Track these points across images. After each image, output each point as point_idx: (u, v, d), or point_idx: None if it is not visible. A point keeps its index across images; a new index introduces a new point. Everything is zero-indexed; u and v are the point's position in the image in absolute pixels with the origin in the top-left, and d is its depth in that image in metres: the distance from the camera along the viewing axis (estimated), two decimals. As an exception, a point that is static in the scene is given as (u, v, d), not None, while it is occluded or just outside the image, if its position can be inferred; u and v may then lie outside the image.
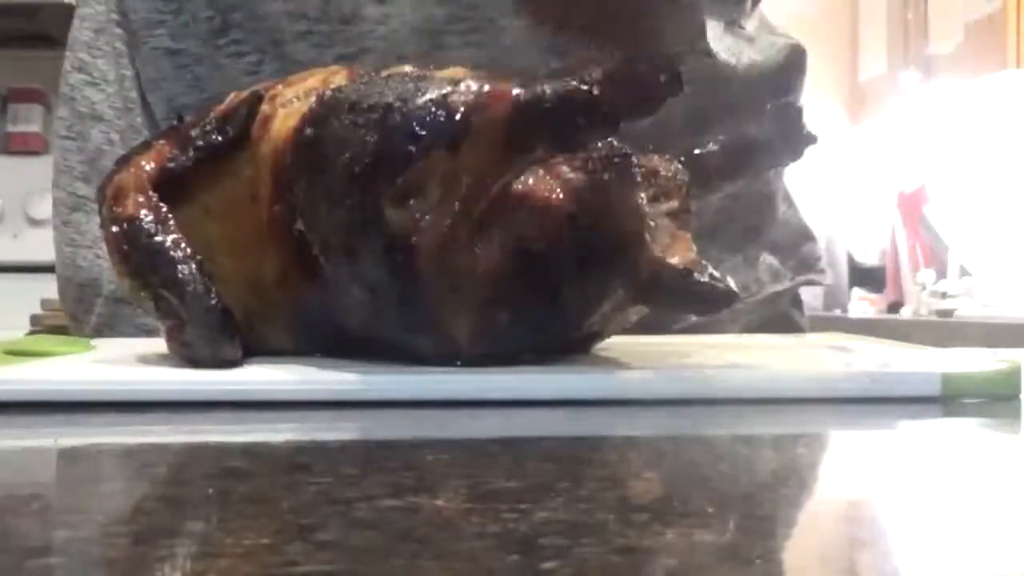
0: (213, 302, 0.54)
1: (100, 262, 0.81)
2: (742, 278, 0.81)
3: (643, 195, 0.53)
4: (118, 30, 0.82)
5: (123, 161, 0.59)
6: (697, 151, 0.61)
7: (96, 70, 0.83)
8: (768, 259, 0.84)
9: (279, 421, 0.48)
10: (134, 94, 0.81)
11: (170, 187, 0.57)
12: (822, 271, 0.87)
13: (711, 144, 0.62)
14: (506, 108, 0.50)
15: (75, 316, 0.83)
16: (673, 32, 0.77)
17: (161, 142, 0.59)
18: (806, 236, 0.86)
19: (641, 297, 0.53)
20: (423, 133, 0.50)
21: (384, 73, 0.54)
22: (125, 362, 0.56)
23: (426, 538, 0.29)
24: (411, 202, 0.51)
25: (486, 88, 0.51)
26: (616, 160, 0.52)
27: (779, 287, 0.84)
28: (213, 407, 0.49)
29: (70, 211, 0.83)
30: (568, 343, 0.55)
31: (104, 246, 0.80)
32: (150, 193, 0.56)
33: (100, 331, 0.79)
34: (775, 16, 0.87)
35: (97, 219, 0.81)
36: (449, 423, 0.48)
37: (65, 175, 0.83)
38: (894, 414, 0.50)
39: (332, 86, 0.55)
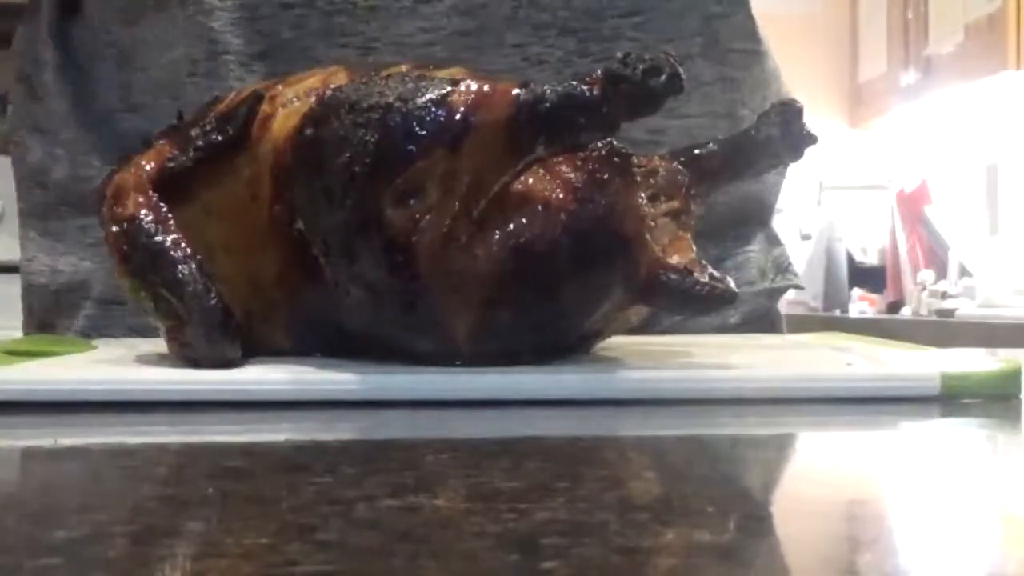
0: (213, 302, 0.54)
1: (86, 264, 0.80)
2: (740, 275, 0.81)
3: (643, 195, 0.53)
4: (54, 51, 0.82)
5: (123, 161, 0.59)
6: (697, 151, 0.61)
7: (37, 82, 0.82)
8: (759, 258, 0.84)
9: (279, 421, 0.48)
10: (81, 109, 0.81)
11: (170, 187, 0.57)
12: (796, 274, 0.88)
13: (711, 144, 0.62)
14: (507, 108, 0.50)
15: (49, 324, 0.82)
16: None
17: (161, 142, 0.59)
18: (775, 242, 0.87)
19: (641, 297, 0.53)
20: (423, 133, 0.50)
21: (384, 73, 0.54)
22: (125, 362, 0.56)
23: (426, 538, 0.29)
24: (411, 202, 0.51)
25: (486, 88, 0.51)
26: (616, 160, 0.52)
27: (767, 285, 0.85)
28: (213, 407, 0.49)
29: (42, 220, 0.83)
30: (568, 343, 0.55)
31: (90, 249, 0.80)
32: (150, 193, 0.56)
33: (87, 335, 0.78)
34: (776, 16, 0.87)
35: (77, 222, 0.81)
36: (449, 423, 0.48)
37: (22, 184, 0.84)
38: (894, 414, 0.50)
39: (332, 86, 0.55)
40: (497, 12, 0.75)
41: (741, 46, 0.81)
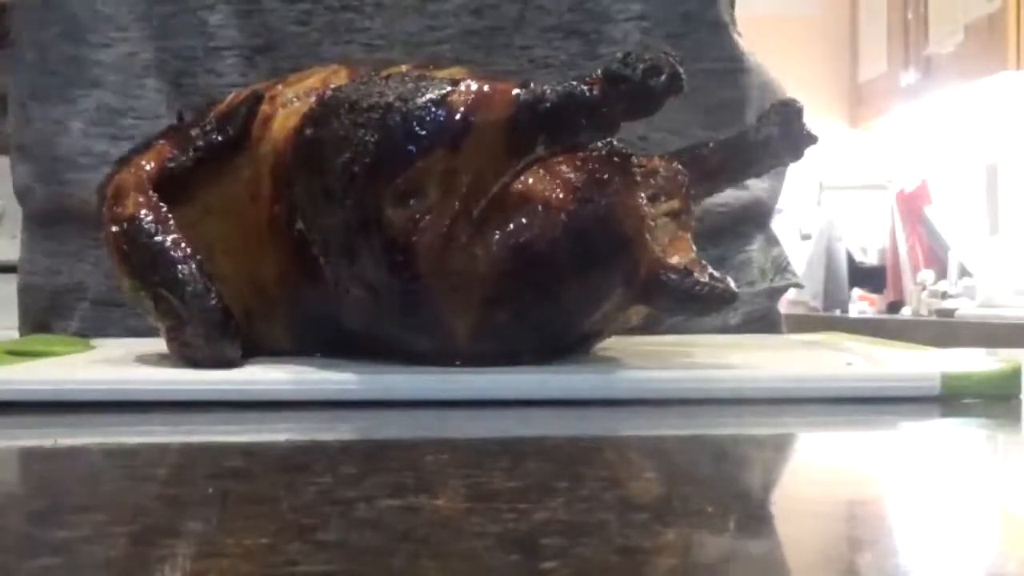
0: (213, 302, 0.54)
1: (83, 266, 0.80)
2: (740, 276, 0.81)
3: (643, 195, 0.53)
4: (54, 77, 0.81)
5: (123, 161, 0.59)
6: (697, 151, 0.61)
7: (23, 105, 0.82)
8: (759, 258, 0.84)
9: (279, 421, 0.48)
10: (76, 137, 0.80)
11: (170, 187, 0.57)
12: (795, 273, 0.88)
13: (711, 144, 0.62)
14: (507, 108, 0.50)
15: (44, 324, 0.82)
16: None
17: (161, 142, 0.59)
18: (773, 242, 0.87)
19: (641, 297, 0.53)
20: (423, 133, 0.50)
21: (384, 73, 0.54)
22: (125, 362, 0.56)
23: (426, 538, 0.29)
24: (411, 202, 0.51)
25: (486, 88, 0.51)
26: (616, 160, 0.52)
27: (767, 284, 0.85)
28: (213, 407, 0.49)
29: (46, 225, 0.82)
30: (568, 343, 0.55)
31: (88, 250, 0.80)
32: (150, 193, 0.56)
33: (83, 336, 0.78)
34: (776, 16, 0.87)
35: (75, 224, 0.81)
36: (449, 423, 0.48)
37: (19, 193, 0.84)
38: (894, 414, 0.50)
39: (332, 86, 0.55)
40: (506, 13, 0.75)
41: (702, 66, 0.80)
